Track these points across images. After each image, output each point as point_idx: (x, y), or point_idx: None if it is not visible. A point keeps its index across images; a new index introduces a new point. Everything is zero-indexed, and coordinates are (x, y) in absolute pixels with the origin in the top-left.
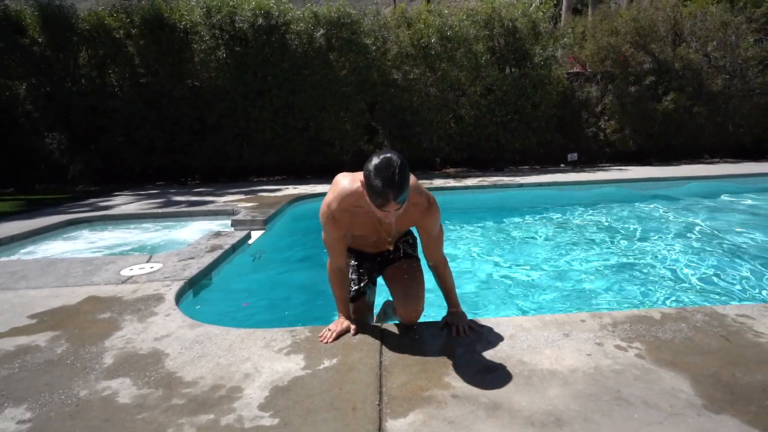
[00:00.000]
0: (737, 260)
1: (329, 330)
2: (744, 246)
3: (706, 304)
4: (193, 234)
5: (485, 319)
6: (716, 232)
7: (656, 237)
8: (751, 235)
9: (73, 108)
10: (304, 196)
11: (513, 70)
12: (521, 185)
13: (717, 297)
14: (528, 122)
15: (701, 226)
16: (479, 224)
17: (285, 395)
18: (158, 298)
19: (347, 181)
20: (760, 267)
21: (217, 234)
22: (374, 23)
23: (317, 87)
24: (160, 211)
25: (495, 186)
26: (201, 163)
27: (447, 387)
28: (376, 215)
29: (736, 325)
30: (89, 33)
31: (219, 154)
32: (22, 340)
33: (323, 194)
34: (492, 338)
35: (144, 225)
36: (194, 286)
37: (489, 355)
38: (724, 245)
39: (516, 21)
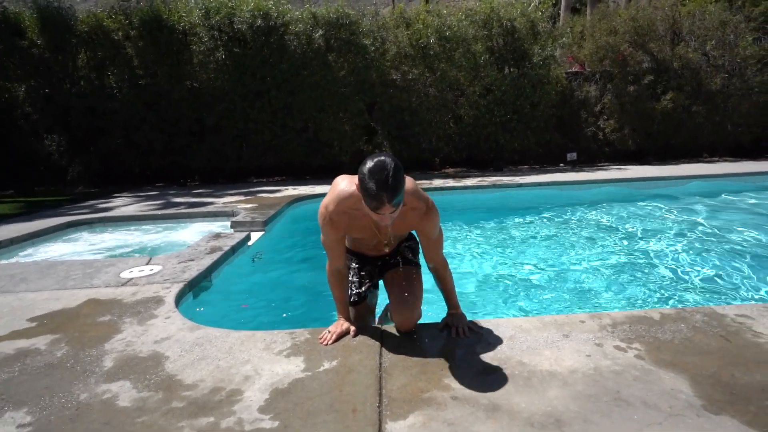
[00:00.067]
0: (737, 260)
1: (329, 332)
2: (744, 246)
3: (708, 304)
4: (193, 235)
5: (485, 320)
6: (716, 232)
7: (656, 237)
8: (752, 235)
9: (72, 110)
10: (304, 197)
11: (512, 69)
12: (520, 185)
13: (717, 296)
14: (527, 122)
15: (701, 225)
16: (478, 224)
17: (285, 397)
18: (158, 301)
19: (345, 183)
20: (760, 267)
21: (217, 236)
22: (373, 24)
23: (316, 88)
24: (159, 212)
25: (494, 186)
26: (200, 164)
27: (447, 388)
28: (373, 218)
29: (736, 325)
30: (88, 35)
31: (218, 155)
32: (22, 343)
33: (322, 195)
34: (491, 339)
35: (144, 227)
36: (194, 288)
37: (488, 356)
38: (725, 245)
39: (515, 21)
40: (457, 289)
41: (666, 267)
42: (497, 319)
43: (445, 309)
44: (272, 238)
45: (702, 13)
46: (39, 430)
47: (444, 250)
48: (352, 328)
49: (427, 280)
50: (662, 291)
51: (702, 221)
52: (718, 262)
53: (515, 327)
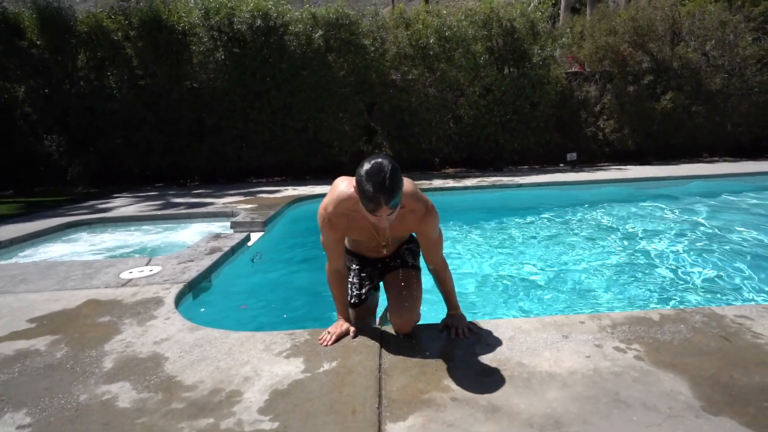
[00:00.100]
0: (737, 261)
1: (329, 333)
2: (744, 246)
3: (708, 304)
4: (193, 236)
5: (484, 321)
6: (716, 232)
7: (656, 237)
8: (752, 235)
9: (71, 110)
10: (304, 198)
11: (511, 70)
12: (520, 185)
13: (716, 297)
14: (527, 122)
15: (701, 226)
16: (478, 225)
17: (284, 399)
18: (158, 302)
19: (345, 185)
20: (760, 267)
21: (217, 236)
22: (372, 24)
23: (316, 88)
24: (159, 213)
25: (494, 186)
26: (200, 165)
27: (446, 390)
28: (371, 220)
29: (735, 326)
30: (87, 35)
31: (218, 156)
32: (22, 344)
33: (322, 195)
34: (491, 340)
35: (143, 227)
36: (194, 288)
37: (488, 357)
38: (725, 245)
39: (514, 21)
40: (456, 290)
41: (665, 267)
42: (497, 320)
43: (445, 310)
44: (272, 239)
45: (702, 13)
46: None
47: (444, 251)
48: (352, 328)
49: (428, 281)
50: (662, 291)
51: (702, 221)
52: (717, 263)
53: (515, 328)
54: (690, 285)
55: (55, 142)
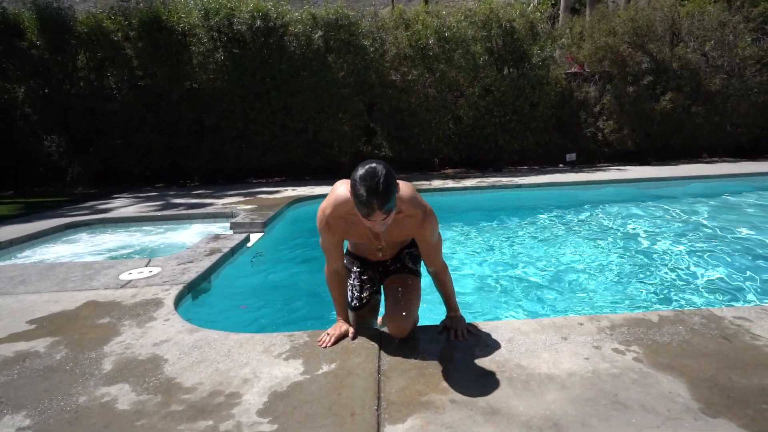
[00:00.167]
0: (737, 261)
1: (328, 334)
2: (744, 247)
3: (707, 306)
4: (193, 237)
5: (483, 323)
6: (716, 233)
7: (655, 238)
8: (752, 236)
9: (71, 110)
10: (303, 198)
11: (511, 70)
12: (519, 186)
13: (715, 298)
14: (526, 123)
15: (700, 226)
16: (478, 226)
17: (284, 401)
18: (157, 303)
19: (344, 188)
20: (760, 268)
21: (216, 237)
22: (372, 24)
23: (315, 88)
24: (159, 213)
25: (493, 187)
26: (199, 165)
27: (445, 392)
28: (366, 225)
29: (734, 327)
30: (87, 36)
31: (217, 156)
32: (21, 345)
33: (322, 196)
34: (490, 342)
35: (143, 228)
36: (193, 290)
37: (487, 359)
38: (724, 246)
39: (514, 21)
40: (456, 291)
41: (664, 268)
42: (496, 322)
43: (444, 311)
44: (272, 240)
45: (701, 13)
46: None
47: (443, 252)
48: (351, 330)
49: (428, 282)
50: (660, 292)
51: (701, 222)
52: (717, 264)
53: (514, 329)
54: (689, 286)
55: (55, 142)
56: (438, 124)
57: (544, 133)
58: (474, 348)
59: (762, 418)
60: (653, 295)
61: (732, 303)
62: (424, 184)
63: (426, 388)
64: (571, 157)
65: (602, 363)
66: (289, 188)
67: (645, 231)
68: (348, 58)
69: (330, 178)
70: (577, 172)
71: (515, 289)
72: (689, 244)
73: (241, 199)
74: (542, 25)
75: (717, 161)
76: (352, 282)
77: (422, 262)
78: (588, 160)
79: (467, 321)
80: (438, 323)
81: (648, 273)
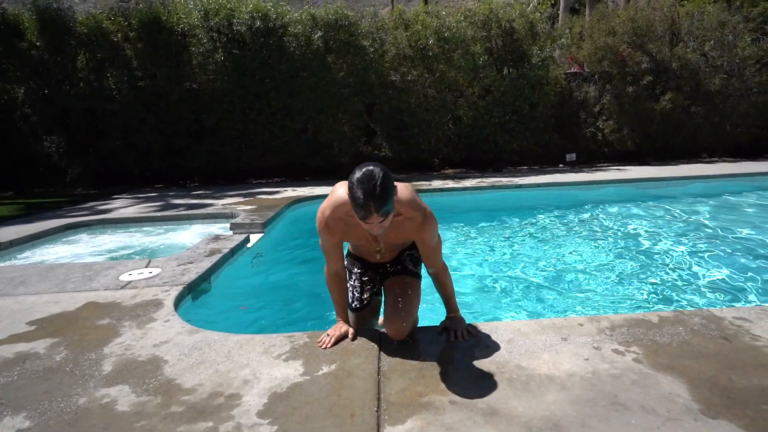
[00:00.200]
0: (737, 261)
1: (328, 335)
2: (744, 247)
3: (707, 306)
4: (192, 237)
5: (483, 324)
6: (716, 233)
7: (655, 238)
8: (752, 236)
9: (71, 111)
10: (303, 199)
11: (511, 70)
12: (519, 186)
13: (715, 298)
14: (526, 123)
15: (700, 226)
16: (478, 226)
17: (283, 402)
18: (157, 304)
19: (343, 189)
20: (760, 268)
21: (216, 238)
22: (372, 25)
23: (315, 89)
24: (158, 214)
25: (493, 187)
26: (199, 166)
27: (445, 393)
28: (364, 228)
29: (734, 328)
30: (87, 36)
31: (217, 157)
32: (21, 347)
33: (321, 196)
34: (490, 343)
35: (143, 228)
36: (193, 291)
37: (487, 360)
38: (725, 246)
39: (513, 22)
40: (455, 291)
41: (665, 268)
42: (495, 323)
43: (444, 312)
44: (271, 240)
45: (700, 13)
46: None
47: (443, 252)
48: (351, 330)
49: (429, 283)
50: (661, 293)
51: (701, 222)
52: (717, 264)
53: (514, 330)
54: (689, 286)
55: (54, 143)
56: (438, 124)
57: (543, 133)
58: (474, 349)
59: (762, 418)
60: (653, 295)
61: (733, 303)
62: (424, 185)
63: (426, 389)
64: (571, 157)
65: (602, 364)
66: (288, 189)
67: (645, 231)
68: (347, 58)
69: (330, 179)
70: (576, 172)
71: (515, 289)
72: (689, 244)
73: (241, 199)
74: (542, 25)
75: (717, 161)
76: (352, 283)
77: (423, 264)
78: (588, 160)
79: (467, 322)
80: (438, 324)
81: (648, 273)
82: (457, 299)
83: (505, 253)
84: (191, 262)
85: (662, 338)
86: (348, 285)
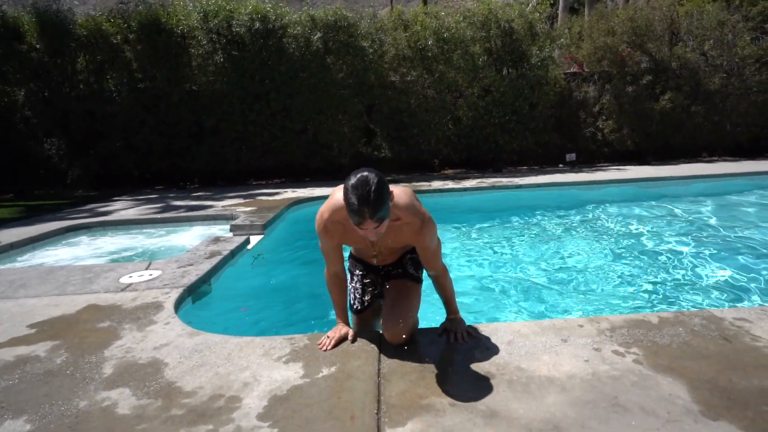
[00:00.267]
0: (737, 261)
1: (328, 337)
2: (745, 247)
3: (707, 306)
4: (193, 239)
5: (483, 325)
6: (716, 233)
7: (656, 238)
8: (752, 235)
9: (71, 113)
10: (303, 200)
11: (510, 71)
12: (519, 186)
13: (716, 298)
14: (526, 123)
15: (700, 226)
16: (478, 227)
17: (283, 405)
18: (157, 306)
19: (342, 193)
20: (761, 268)
21: (216, 239)
22: (371, 26)
23: (315, 90)
24: (159, 216)
25: (493, 187)
26: (199, 167)
27: (445, 395)
28: (360, 233)
29: (734, 328)
30: (87, 38)
31: (217, 158)
32: (22, 350)
33: (322, 197)
34: (490, 345)
35: (143, 230)
36: (193, 293)
37: (487, 362)
38: (725, 246)
39: (512, 22)
40: (456, 292)
41: (665, 269)
42: (495, 324)
43: (444, 314)
44: (272, 242)
45: (700, 12)
46: None
47: (442, 252)
48: (351, 332)
49: (429, 284)
50: (662, 293)
51: (702, 222)
52: (718, 264)
53: (514, 332)
54: (690, 286)
55: (54, 145)
56: (437, 124)
57: (543, 133)
58: (474, 350)
59: (762, 420)
60: (654, 295)
61: (735, 303)
62: (424, 185)
63: (426, 391)
64: (571, 157)
65: (602, 365)
66: (288, 190)
67: (645, 231)
68: (347, 59)
69: (330, 180)
70: (576, 172)
71: (515, 290)
72: (690, 244)
73: (241, 201)
74: (541, 26)
75: (717, 160)
76: (354, 285)
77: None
78: (587, 160)
79: (467, 323)
80: (438, 326)
81: (648, 273)
82: (457, 300)
83: (505, 254)
84: (191, 264)
85: (662, 339)
86: (350, 286)
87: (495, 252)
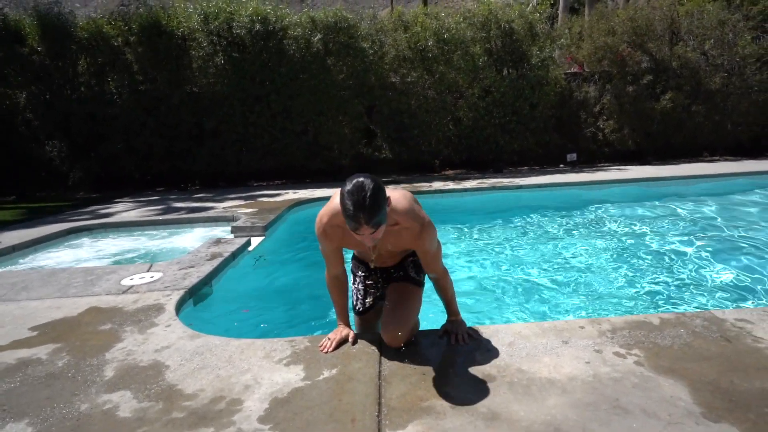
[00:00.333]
0: (738, 261)
1: (329, 339)
2: (745, 247)
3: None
4: (194, 241)
5: (484, 327)
6: (717, 233)
7: (657, 238)
8: (753, 235)
9: (72, 116)
10: (304, 201)
11: (510, 71)
12: (520, 186)
13: (717, 299)
14: (526, 123)
15: (701, 226)
16: (478, 227)
17: (284, 407)
18: (158, 309)
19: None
20: (761, 269)
21: (217, 241)
22: (371, 27)
23: (315, 91)
24: (160, 218)
25: (494, 188)
26: (200, 169)
27: (446, 397)
28: (357, 239)
29: (735, 330)
30: (88, 41)
31: (218, 160)
32: (24, 353)
33: (322, 198)
34: (491, 346)
35: (145, 232)
36: (194, 295)
37: (488, 363)
38: (726, 246)
39: (513, 22)
40: (456, 294)
41: (666, 269)
42: (496, 326)
43: (445, 315)
44: (273, 243)
45: (700, 12)
46: None
47: (443, 253)
48: (352, 334)
49: (430, 285)
50: (663, 294)
51: (703, 222)
52: (720, 264)
53: (514, 333)
54: (691, 287)
55: (56, 147)
56: (438, 125)
57: (544, 133)
58: (475, 352)
59: (764, 422)
60: (656, 296)
61: (739, 303)
62: (425, 186)
63: (427, 394)
64: (572, 157)
65: (603, 367)
66: (289, 191)
67: (646, 231)
68: (347, 60)
69: (330, 181)
70: (577, 172)
71: (516, 291)
72: (692, 244)
73: (242, 202)
74: (541, 26)
75: (718, 160)
76: (356, 286)
77: None
78: (588, 160)
79: (468, 324)
80: (439, 327)
81: (650, 274)
82: (458, 301)
83: (506, 255)
84: (192, 266)
85: (663, 341)
86: (352, 287)
87: (496, 253)
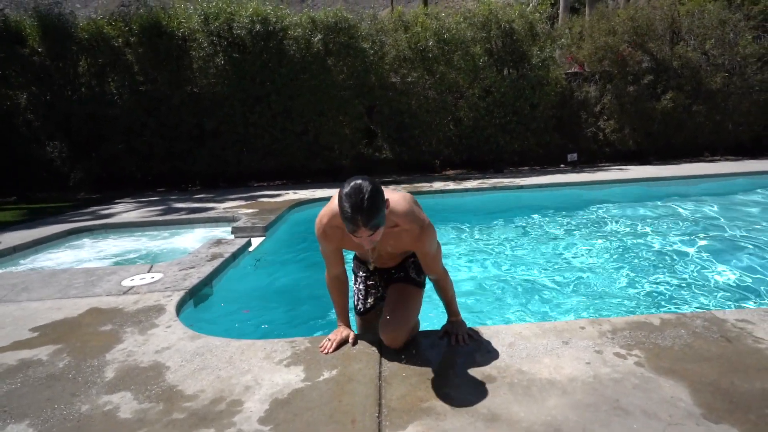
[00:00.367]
0: (738, 261)
1: (329, 340)
2: (746, 246)
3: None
4: (194, 241)
5: (484, 328)
6: (717, 233)
7: (657, 238)
8: (753, 235)
9: (73, 116)
10: (304, 202)
11: (511, 71)
12: (521, 187)
13: (720, 299)
14: (527, 123)
15: (701, 226)
16: (478, 228)
17: (285, 408)
18: (159, 309)
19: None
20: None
21: (218, 242)
22: (371, 27)
23: (315, 92)
24: (160, 218)
25: (494, 188)
26: (200, 169)
27: (446, 398)
28: (355, 241)
29: (736, 330)
30: (88, 42)
31: (218, 160)
32: (24, 354)
33: (323, 199)
34: (491, 347)
35: (145, 233)
36: (195, 296)
37: (488, 364)
38: (729, 246)
39: (513, 22)
40: (457, 294)
41: (668, 269)
42: (497, 326)
43: (445, 316)
44: (273, 244)
45: (701, 12)
46: None
47: (443, 253)
48: (352, 334)
49: (430, 285)
50: (664, 294)
51: (704, 222)
52: (721, 264)
53: (515, 334)
54: (692, 287)
55: (57, 148)
56: (438, 125)
57: (544, 133)
58: (475, 353)
59: (765, 423)
60: (657, 296)
61: (740, 304)
62: (425, 186)
63: (427, 395)
64: (572, 157)
65: (603, 368)
66: (290, 192)
67: (647, 232)
68: (347, 60)
69: (331, 181)
70: (578, 172)
71: (517, 291)
72: (694, 244)
73: (243, 203)
74: (542, 26)
75: (719, 160)
76: (357, 287)
77: None
78: (589, 160)
79: (468, 324)
80: (439, 328)
81: (651, 274)
82: (458, 301)
83: (506, 255)
84: (193, 267)
85: (664, 341)
86: (353, 287)
87: (496, 253)
